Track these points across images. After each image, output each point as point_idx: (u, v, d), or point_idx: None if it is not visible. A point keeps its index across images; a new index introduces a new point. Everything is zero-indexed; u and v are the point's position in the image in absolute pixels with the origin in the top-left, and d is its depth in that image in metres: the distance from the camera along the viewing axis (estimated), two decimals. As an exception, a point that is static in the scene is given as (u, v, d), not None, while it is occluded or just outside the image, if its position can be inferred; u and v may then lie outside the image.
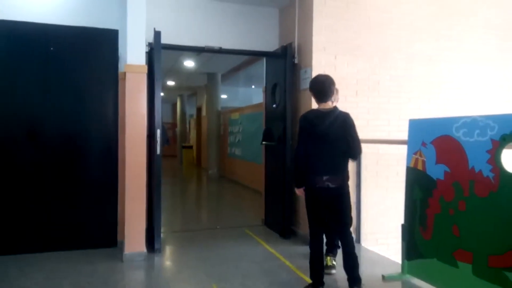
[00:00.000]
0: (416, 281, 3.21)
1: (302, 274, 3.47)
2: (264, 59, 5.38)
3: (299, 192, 3.04)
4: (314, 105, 4.16)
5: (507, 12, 5.05)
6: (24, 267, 3.60)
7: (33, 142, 3.98)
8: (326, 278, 3.05)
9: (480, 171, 2.61)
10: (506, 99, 5.07)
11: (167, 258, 4.08)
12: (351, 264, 2.92)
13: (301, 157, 2.91)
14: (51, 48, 4.00)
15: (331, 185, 2.88)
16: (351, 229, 3.62)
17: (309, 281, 3.19)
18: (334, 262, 3.55)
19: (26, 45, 3.94)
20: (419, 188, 3.13)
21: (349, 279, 2.93)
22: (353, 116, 2.99)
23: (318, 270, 3.00)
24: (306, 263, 3.65)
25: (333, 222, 3.04)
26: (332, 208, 2.97)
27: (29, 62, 3.96)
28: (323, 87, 2.96)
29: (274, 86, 4.98)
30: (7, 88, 3.92)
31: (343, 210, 2.98)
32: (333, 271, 3.47)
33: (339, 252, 3.01)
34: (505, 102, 5.04)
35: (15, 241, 3.94)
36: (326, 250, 3.68)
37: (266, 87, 5.30)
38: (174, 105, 20.18)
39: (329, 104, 3.00)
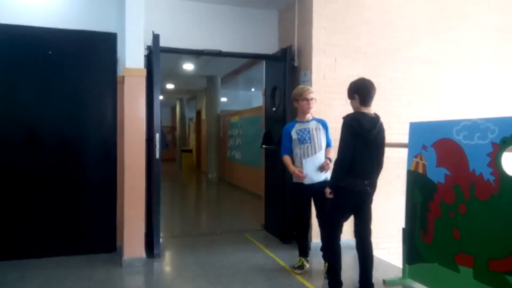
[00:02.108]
0: (417, 285, 3.19)
1: (303, 279, 3.45)
2: (264, 62, 5.37)
3: (331, 193, 2.95)
4: (316, 109, 4.18)
5: (506, 14, 5.05)
6: (23, 272, 3.57)
7: (31, 146, 3.96)
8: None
9: (481, 174, 2.60)
10: (507, 101, 5.05)
11: (167, 263, 4.06)
12: (371, 269, 2.95)
13: (349, 160, 2.83)
14: (49, 52, 3.99)
15: (369, 190, 2.91)
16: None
17: (311, 286, 3.18)
18: (306, 264, 3.70)
19: (24, 49, 3.93)
20: (420, 192, 3.12)
21: (364, 283, 2.95)
22: (354, 119, 2.98)
23: (340, 275, 2.98)
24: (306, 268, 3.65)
25: (361, 224, 3.02)
26: (362, 212, 2.97)
27: (27, 66, 3.95)
28: (371, 90, 2.95)
29: (274, 89, 4.97)
30: (5, 92, 3.90)
31: (371, 212, 3.01)
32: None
33: (355, 255, 3.04)
34: (506, 105, 5.02)
35: (14, 246, 3.91)
36: (301, 252, 3.74)
37: (265, 90, 5.29)
38: (174, 108, 20.18)
39: (371, 109, 2.98)
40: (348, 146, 2.84)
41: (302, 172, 3.45)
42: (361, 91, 2.95)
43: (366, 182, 2.87)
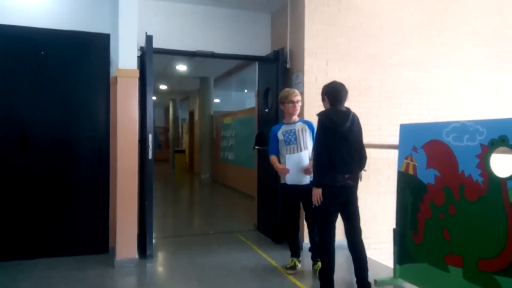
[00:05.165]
0: (408, 285, 3.22)
1: (295, 280, 3.47)
2: (257, 64, 5.40)
3: (318, 192, 2.95)
4: (308, 111, 4.21)
5: (495, 20, 5.13)
6: (14, 274, 3.55)
7: (23, 148, 3.93)
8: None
9: (470, 175, 2.64)
10: (495, 104, 5.13)
11: (159, 264, 4.06)
12: (365, 269, 2.98)
13: (325, 156, 2.87)
14: (42, 53, 3.97)
15: (351, 183, 2.93)
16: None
17: (303, 286, 3.19)
18: (298, 264, 3.72)
19: (16, 50, 3.91)
20: (410, 193, 3.15)
21: (361, 284, 2.97)
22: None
23: (332, 276, 2.99)
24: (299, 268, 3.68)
25: (349, 225, 3.04)
26: (349, 213, 3.00)
27: (19, 66, 3.92)
28: (340, 93, 2.99)
29: (267, 91, 5.00)
30: (-3, 93, 3.88)
31: (358, 211, 3.03)
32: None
33: (347, 256, 3.05)
34: (494, 107, 5.10)
35: (5, 248, 3.88)
36: (293, 252, 3.76)
37: (258, 91, 5.32)
38: (167, 109, 20.13)
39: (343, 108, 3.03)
40: (322, 143, 2.90)
41: (285, 167, 3.53)
42: (330, 93, 3.02)
43: (346, 176, 2.90)
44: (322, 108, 3.41)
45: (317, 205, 2.97)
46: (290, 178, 3.55)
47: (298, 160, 3.54)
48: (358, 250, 2.99)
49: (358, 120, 3.02)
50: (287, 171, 3.54)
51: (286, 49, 4.68)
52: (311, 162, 3.54)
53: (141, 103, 4.05)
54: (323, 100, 3.08)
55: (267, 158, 4.45)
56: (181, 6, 4.75)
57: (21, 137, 3.93)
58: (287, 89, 3.85)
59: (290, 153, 3.57)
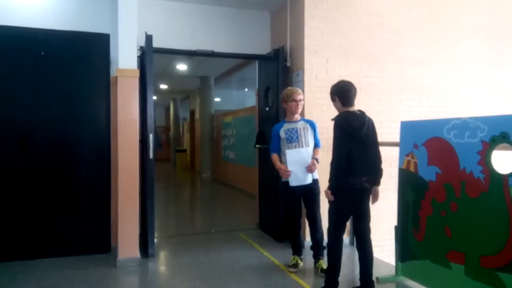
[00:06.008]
0: (410, 282, 3.23)
1: (297, 278, 3.48)
2: (257, 62, 5.39)
3: (330, 195, 2.95)
4: (308, 109, 4.21)
5: (494, 15, 5.11)
6: (15, 274, 3.56)
7: (24, 148, 3.94)
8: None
9: (471, 172, 2.64)
10: (496, 100, 5.12)
11: (161, 263, 4.06)
12: (371, 267, 2.99)
13: (345, 160, 2.86)
14: (42, 53, 3.97)
15: (368, 186, 2.95)
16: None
17: (305, 284, 3.19)
18: (300, 262, 3.73)
19: (16, 50, 3.91)
20: (412, 190, 3.15)
21: (364, 282, 2.98)
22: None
23: (338, 275, 3.01)
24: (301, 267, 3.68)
25: (359, 222, 3.05)
26: (361, 211, 3.01)
27: (19, 67, 3.93)
28: (350, 92, 3.00)
29: (267, 89, 4.99)
30: (-3, 93, 3.88)
31: (369, 210, 3.04)
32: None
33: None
34: (495, 104, 5.09)
35: (6, 248, 3.89)
36: (295, 250, 3.77)
37: (258, 90, 5.31)
38: (167, 108, 20.14)
39: (355, 108, 3.03)
40: (342, 146, 2.88)
41: (287, 169, 3.51)
42: (340, 93, 3.02)
43: (364, 178, 2.92)
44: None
45: (331, 200, 2.98)
46: (293, 180, 3.52)
47: (299, 155, 3.52)
48: (366, 248, 3.00)
49: (373, 123, 3.04)
50: (288, 174, 3.52)
51: (286, 47, 4.67)
52: (313, 160, 3.54)
53: (141, 103, 4.05)
54: (333, 100, 3.08)
55: (268, 157, 4.46)
56: (181, 5, 4.74)
57: (22, 137, 3.94)
58: (290, 88, 3.84)
59: (290, 149, 3.57)
